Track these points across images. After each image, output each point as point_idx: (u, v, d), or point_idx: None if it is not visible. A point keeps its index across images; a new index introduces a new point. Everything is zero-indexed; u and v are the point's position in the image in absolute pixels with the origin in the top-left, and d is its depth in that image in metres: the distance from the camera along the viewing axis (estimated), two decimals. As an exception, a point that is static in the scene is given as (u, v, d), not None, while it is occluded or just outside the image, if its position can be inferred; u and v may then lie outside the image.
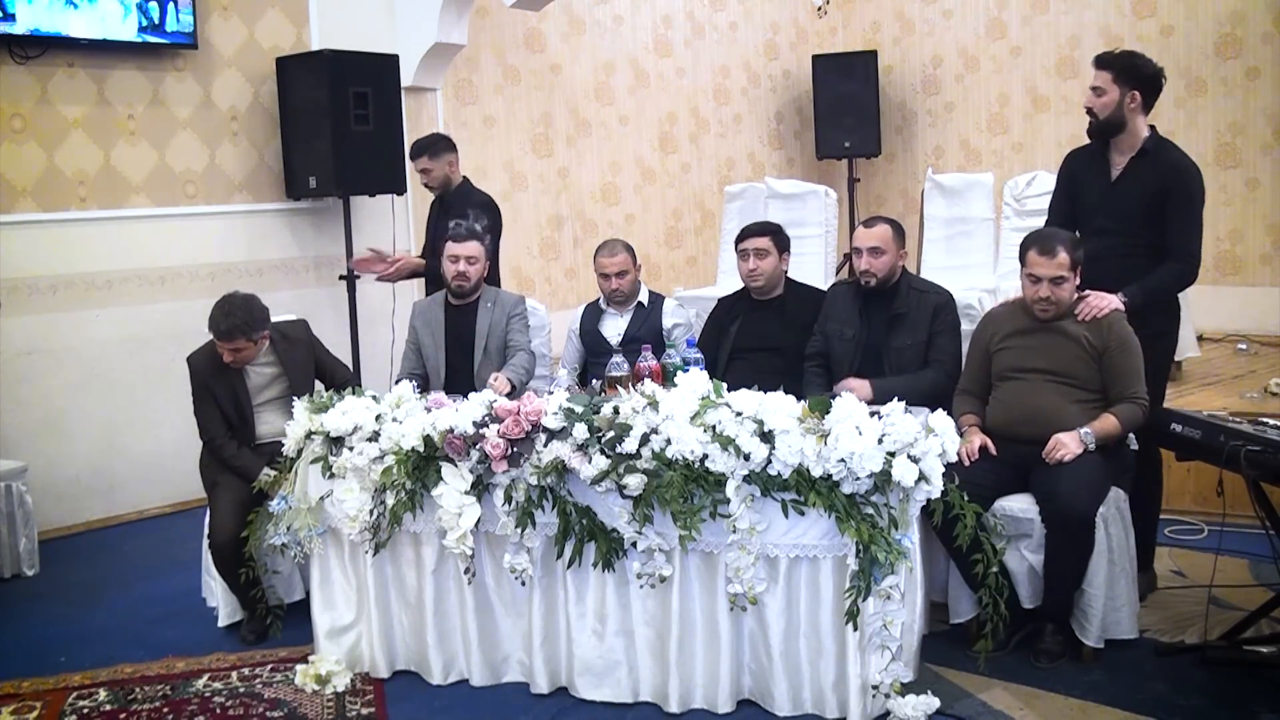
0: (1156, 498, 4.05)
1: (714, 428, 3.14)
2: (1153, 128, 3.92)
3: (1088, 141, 4.06)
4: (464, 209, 5.21)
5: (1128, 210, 3.87)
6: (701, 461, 3.13)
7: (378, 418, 3.56)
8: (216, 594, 4.07)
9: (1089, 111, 3.91)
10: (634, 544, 3.24)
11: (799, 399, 3.25)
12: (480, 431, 3.37)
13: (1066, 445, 3.47)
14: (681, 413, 3.19)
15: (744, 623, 3.28)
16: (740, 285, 4.64)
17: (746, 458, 3.09)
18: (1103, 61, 3.90)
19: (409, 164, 5.56)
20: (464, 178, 5.48)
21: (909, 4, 8.99)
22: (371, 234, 6.38)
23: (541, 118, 7.52)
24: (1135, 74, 3.84)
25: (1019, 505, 3.52)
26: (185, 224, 5.80)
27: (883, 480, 3.03)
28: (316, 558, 3.70)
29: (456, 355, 4.61)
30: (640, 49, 8.12)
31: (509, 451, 3.32)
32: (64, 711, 3.50)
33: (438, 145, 5.35)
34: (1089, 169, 4.02)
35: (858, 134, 8.51)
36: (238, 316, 3.95)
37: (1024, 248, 3.72)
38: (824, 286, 5.12)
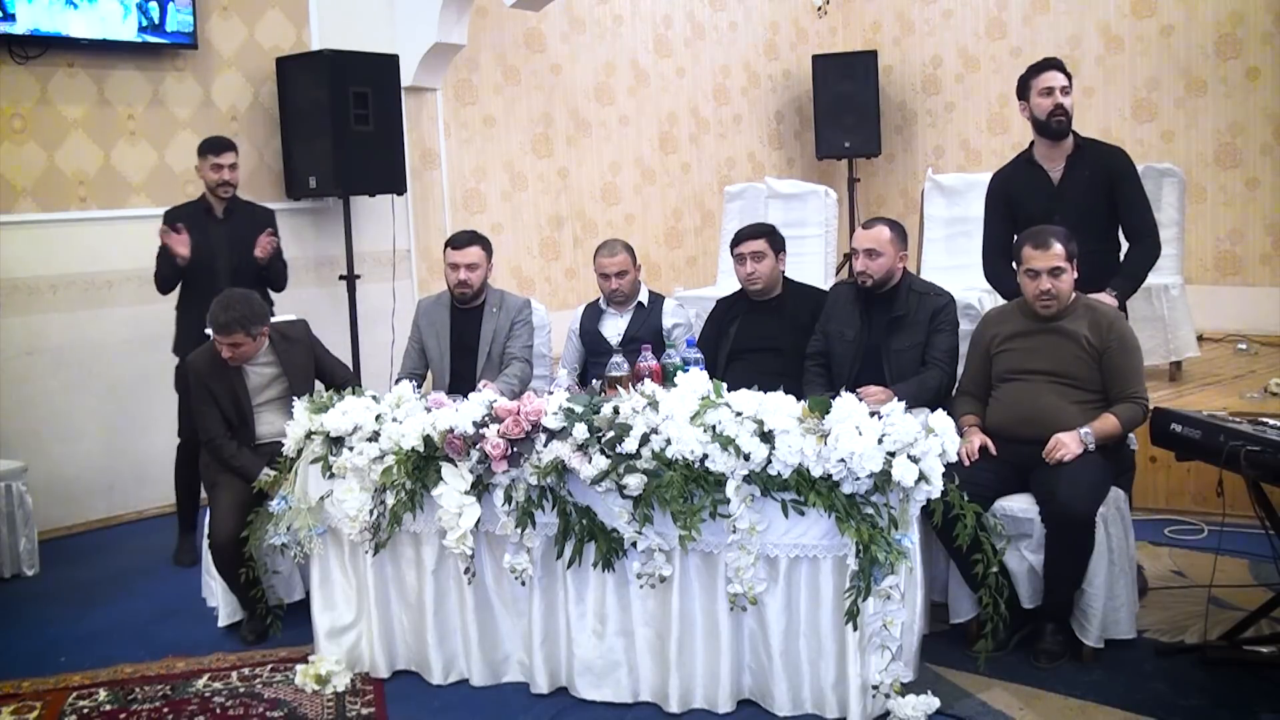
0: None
1: (714, 428, 3.14)
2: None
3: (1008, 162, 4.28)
4: (248, 218, 4.99)
5: (1083, 206, 4.00)
6: (701, 461, 3.13)
7: (378, 418, 3.56)
8: (216, 594, 4.07)
9: (1061, 110, 4.00)
10: (634, 544, 3.24)
11: (799, 399, 3.25)
12: (480, 431, 3.37)
13: (1066, 445, 3.47)
14: (681, 413, 3.19)
15: (744, 623, 3.28)
16: (740, 285, 4.64)
17: (746, 458, 3.09)
18: (1062, 65, 4.07)
19: (204, 159, 4.96)
20: None
21: (909, 4, 8.98)
22: (371, 234, 6.39)
23: (541, 118, 7.52)
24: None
25: (1019, 505, 3.52)
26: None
27: (883, 480, 3.03)
28: (316, 558, 3.70)
29: (460, 360, 4.60)
30: (640, 49, 8.12)
31: (509, 451, 3.32)
32: (64, 711, 3.50)
33: (235, 149, 5.02)
34: (1026, 180, 4.15)
35: (858, 134, 8.51)
36: (237, 310, 3.95)
37: (1017, 247, 3.75)
38: (824, 286, 5.12)
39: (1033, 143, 4.14)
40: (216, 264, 4.86)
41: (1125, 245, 4.16)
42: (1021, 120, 8.56)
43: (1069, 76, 4.06)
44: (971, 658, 3.37)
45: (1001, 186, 4.23)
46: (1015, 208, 4.16)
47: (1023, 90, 4.10)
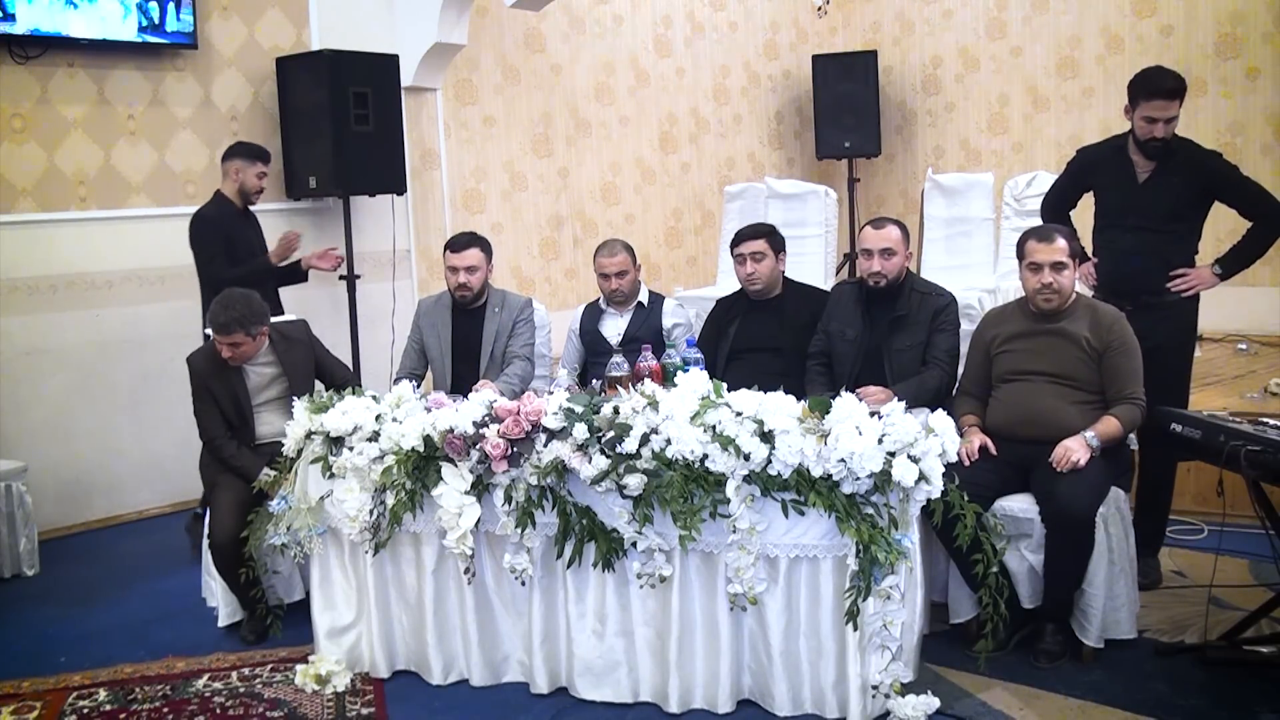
0: (1170, 485, 4.18)
1: (714, 428, 3.14)
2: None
3: (1093, 140, 4.20)
4: (255, 218, 5.24)
5: (1163, 209, 4.02)
6: (701, 461, 3.13)
7: (378, 418, 3.56)
8: (216, 594, 4.07)
9: (1155, 140, 3.95)
10: (634, 544, 3.24)
11: (799, 399, 3.25)
12: (480, 431, 3.37)
13: (1075, 451, 3.45)
14: (681, 413, 3.18)
15: (744, 623, 3.28)
16: (740, 285, 4.64)
17: (746, 458, 3.09)
18: (1179, 91, 3.97)
19: (254, 166, 5.09)
20: None
21: (909, 4, 8.99)
22: (372, 234, 6.39)
23: (541, 118, 7.52)
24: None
25: (1019, 505, 3.52)
26: (185, 224, 5.76)
27: (883, 480, 3.03)
28: (316, 558, 3.70)
29: (462, 361, 4.59)
30: (640, 49, 8.12)
31: (509, 451, 3.32)
32: (64, 711, 3.50)
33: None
34: (1111, 169, 4.14)
35: (858, 134, 8.51)
36: (236, 310, 3.96)
37: (1021, 242, 3.78)
38: (824, 286, 5.12)
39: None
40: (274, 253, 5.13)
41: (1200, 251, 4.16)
42: (1021, 120, 8.63)
43: (1182, 99, 3.98)
44: (971, 658, 3.37)
45: (1084, 165, 4.28)
46: (1094, 189, 4.23)
47: (1132, 98, 4.04)
